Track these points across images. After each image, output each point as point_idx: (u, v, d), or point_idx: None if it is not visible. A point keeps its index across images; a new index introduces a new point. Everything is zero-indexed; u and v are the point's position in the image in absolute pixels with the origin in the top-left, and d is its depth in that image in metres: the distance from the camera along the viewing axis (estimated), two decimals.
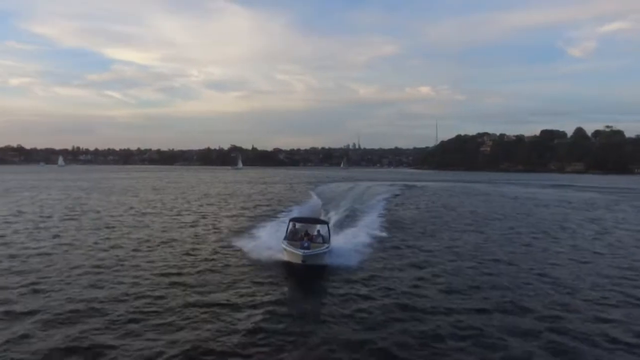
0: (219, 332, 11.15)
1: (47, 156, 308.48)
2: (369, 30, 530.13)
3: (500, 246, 23.02)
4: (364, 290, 14.81)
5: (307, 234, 20.08)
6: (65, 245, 20.72)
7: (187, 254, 19.61)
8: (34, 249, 19.98)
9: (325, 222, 22.51)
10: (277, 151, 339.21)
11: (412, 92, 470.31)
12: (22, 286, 14.35)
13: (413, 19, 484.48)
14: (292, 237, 19.69)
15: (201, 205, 40.39)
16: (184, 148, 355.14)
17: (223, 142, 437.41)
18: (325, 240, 19.78)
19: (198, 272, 16.65)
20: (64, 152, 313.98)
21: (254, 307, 12.99)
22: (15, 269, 16.47)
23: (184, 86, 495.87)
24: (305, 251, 17.56)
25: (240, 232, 25.37)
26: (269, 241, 21.37)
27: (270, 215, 32.76)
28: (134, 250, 20.23)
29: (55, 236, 23.09)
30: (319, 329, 11.49)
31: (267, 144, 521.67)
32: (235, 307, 12.95)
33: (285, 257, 18.51)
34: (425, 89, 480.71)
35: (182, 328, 11.28)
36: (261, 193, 58.01)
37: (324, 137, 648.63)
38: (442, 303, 13.52)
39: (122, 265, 17.48)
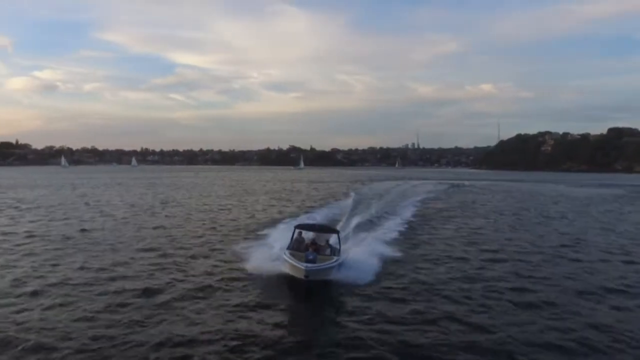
0: None
1: (118, 157, 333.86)
2: (429, 28, 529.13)
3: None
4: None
5: (313, 243, 18.10)
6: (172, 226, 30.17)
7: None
8: (154, 226, 29.40)
9: (336, 231, 20.20)
10: (334, 151, 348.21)
11: (473, 90, 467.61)
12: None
13: (476, 15, 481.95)
14: (297, 247, 17.86)
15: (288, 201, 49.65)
16: (244, 148, 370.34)
17: (281, 143, 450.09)
18: (335, 251, 17.88)
19: None
20: (133, 153, 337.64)
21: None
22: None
23: (243, 88, 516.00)
24: (309, 265, 15.43)
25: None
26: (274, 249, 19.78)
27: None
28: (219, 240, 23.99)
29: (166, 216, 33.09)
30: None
31: (325, 144, 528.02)
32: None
33: (287, 270, 16.55)
34: (487, 87, 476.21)
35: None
36: (324, 189, 67.26)
37: (382, 137, 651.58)
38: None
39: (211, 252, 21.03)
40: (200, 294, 14.52)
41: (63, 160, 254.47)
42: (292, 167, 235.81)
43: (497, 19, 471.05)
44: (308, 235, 19.27)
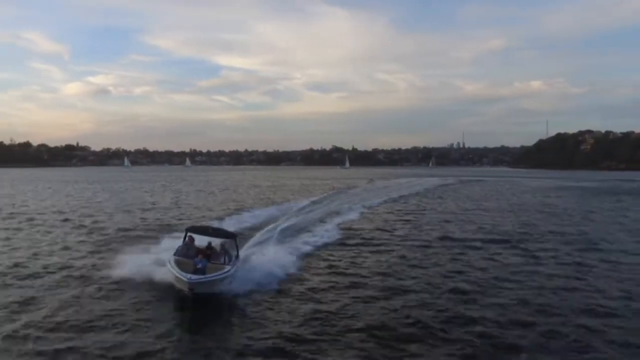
0: None
1: (168, 158, 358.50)
2: (474, 25, 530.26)
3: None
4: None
5: (208, 248, 17.05)
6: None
7: None
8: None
9: (232, 236, 18.59)
10: (376, 151, 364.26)
11: (522, 87, 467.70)
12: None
13: (523, 9, 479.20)
14: (186, 253, 16.44)
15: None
16: (288, 149, 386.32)
17: (324, 143, 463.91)
18: (230, 258, 16.49)
19: None
20: (182, 154, 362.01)
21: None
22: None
23: (287, 89, 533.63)
24: (194, 276, 14.00)
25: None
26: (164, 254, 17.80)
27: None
28: None
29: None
30: None
31: (367, 144, 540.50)
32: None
33: (172, 280, 15.09)
34: (536, 84, 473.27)
35: None
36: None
37: (426, 136, 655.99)
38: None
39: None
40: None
41: (126, 161, 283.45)
42: (338, 167, 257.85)
43: (546, 11, 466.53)
44: (203, 240, 17.62)
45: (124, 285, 16.19)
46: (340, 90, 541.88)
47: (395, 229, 30.39)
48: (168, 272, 15.37)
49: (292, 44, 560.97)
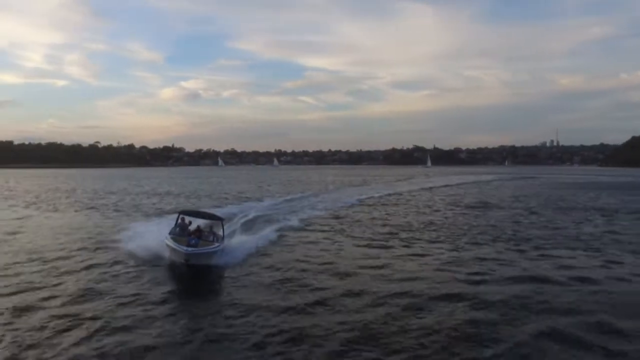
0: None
1: (255, 158, 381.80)
2: (571, 12, 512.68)
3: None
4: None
5: (197, 230, 19.47)
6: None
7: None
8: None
9: (220, 219, 21.36)
10: (457, 150, 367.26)
11: (629, 78, 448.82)
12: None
13: None
14: (180, 233, 19.01)
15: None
16: (371, 148, 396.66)
17: (407, 142, 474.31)
18: (217, 239, 19.12)
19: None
20: (268, 154, 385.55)
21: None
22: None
23: (371, 88, 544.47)
24: (190, 248, 16.77)
25: None
26: (151, 237, 21.17)
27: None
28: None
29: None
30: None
31: (451, 143, 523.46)
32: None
33: (168, 254, 18.19)
34: None
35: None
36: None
37: (516, 134, 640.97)
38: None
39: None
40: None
41: (220, 161, 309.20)
42: (420, 166, 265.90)
43: None
44: (194, 223, 20.35)
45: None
46: (427, 88, 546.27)
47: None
48: (166, 248, 18.43)
49: (376, 43, 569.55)
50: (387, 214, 37.11)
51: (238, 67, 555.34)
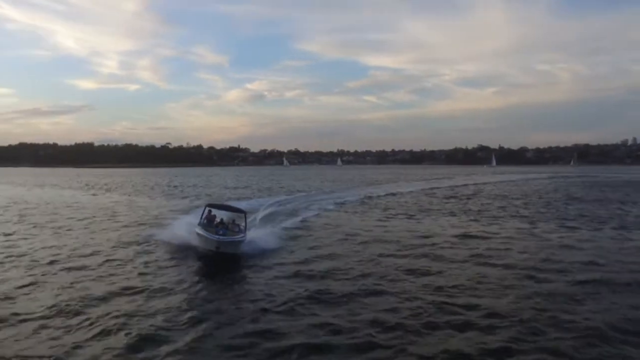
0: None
1: (318, 158, 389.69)
2: None
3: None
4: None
5: (222, 222, 21.33)
6: None
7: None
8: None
9: (243, 212, 22.73)
10: (523, 149, 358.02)
11: None
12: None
13: None
14: (207, 224, 20.94)
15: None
16: (434, 148, 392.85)
17: (471, 141, 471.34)
18: (242, 229, 20.87)
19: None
20: (330, 154, 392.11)
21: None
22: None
23: (436, 86, 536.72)
24: (221, 237, 18.70)
25: None
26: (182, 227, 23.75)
27: None
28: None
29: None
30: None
31: (518, 142, 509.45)
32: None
33: (198, 243, 20.18)
34: None
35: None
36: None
37: (591, 133, 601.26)
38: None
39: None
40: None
41: (285, 161, 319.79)
42: (485, 165, 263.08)
43: None
44: (218, 215, 22.29)
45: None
46: (495, 84, 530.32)
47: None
48: (195, 237, 20.47)
49: (441, 39, 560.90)
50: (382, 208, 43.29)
51: (301, 67, 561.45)
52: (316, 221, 32.81)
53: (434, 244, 24.04)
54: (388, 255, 21.15)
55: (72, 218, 35.18)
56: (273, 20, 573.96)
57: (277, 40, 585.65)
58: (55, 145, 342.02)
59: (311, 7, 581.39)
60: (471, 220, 34.16)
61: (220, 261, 19.08)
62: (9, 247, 23.14)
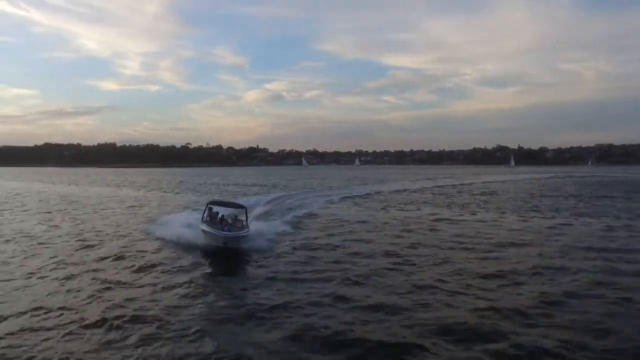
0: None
1: (336, 158, 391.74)
2: None
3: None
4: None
5: (224, 218, 22.01)
6: None
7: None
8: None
9: (244, 207, 23.70)
10: (543, 150, 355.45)
11: None
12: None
13: None
14: (211, 221, 21.43)
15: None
16: (454, 148, 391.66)
17: (491, 141, 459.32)
18: (245, 225, 21.57)
19: None
20: (349, 154, 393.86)
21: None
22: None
23: (456, 86, 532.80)
24: (228, 233, 19.43)
25: None
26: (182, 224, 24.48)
27: None
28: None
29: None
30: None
31: (539, 142, 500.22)
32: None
33: (203, 240, 20.72)
34: None
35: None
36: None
37: (616, 132, 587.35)
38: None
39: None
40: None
41: (304, 161, 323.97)
42: (503, 166, 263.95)
43: None
44: (219, 211, 22.92)
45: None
46: (517, 84, 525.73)
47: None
48: (201, 234, 20.97)
49: (461, 38, 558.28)
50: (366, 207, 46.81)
51: (320, 68, 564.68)
52: (321, 212, 36.68)
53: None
54: (368, 241, 24.40)
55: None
56: (292, 20, 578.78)
57: (295, 41, 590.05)
58: (79, 145, 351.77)
59: (330, 8, 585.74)
60: (443, 209, 40.43)
61: (226, 256, 19.81)
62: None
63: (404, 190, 65.88)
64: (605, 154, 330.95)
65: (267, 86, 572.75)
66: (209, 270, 18.12)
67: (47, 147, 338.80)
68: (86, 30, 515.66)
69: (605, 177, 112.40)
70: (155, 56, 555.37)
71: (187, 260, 19.27)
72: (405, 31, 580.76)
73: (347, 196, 52.50)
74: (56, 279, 16.88)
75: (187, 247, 21.41)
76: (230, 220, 21.79)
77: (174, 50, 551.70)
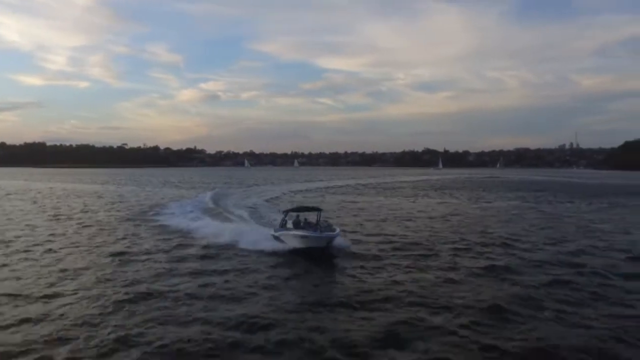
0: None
1: (272, 159, 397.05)
2: (600, 11, 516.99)
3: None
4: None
5: (307, 221, 22.54)
6: None
7: None
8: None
9: (319, 209, 24.16)
10: (466, 153, 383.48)
11: None
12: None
13: None
14: (300, 226, 21.98)
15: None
16: (386, 150, 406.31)
17: (422, 144, 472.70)
18: (330, 225, 22.14)
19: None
20: (285, 156, 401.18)
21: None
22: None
23: (390, 90, 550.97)
24: (330, 233, 20.43)
25: None
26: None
27: None
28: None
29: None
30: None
31: (465, 145, 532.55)
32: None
33: (295, 244, 21.13)
34: None
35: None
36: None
37: (535, 137, 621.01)
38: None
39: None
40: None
41: (246, 162, 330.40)
42: (432, 168, 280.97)
43: None
44: (299, 215, 23.47)
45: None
46: (447, 89, 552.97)
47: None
48: (294, 239, 21.49)
49: (397, 43, 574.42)
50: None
51: (257, 68, 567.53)
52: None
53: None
54: None
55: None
56: (230, 20, 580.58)
57: (233, 41, 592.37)
58: (3, 144, 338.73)
59: (269, 8, 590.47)
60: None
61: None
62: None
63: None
64: (521, 157, 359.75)
65: (203, 85, 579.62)
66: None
67: None
68: (7, 19, 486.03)
69: (494, 178, 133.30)
70: (84, 51, 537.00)
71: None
72: (341, 34, 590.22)
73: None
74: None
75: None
76: (314, 222, 22.62)
77: (105, 46, 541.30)
